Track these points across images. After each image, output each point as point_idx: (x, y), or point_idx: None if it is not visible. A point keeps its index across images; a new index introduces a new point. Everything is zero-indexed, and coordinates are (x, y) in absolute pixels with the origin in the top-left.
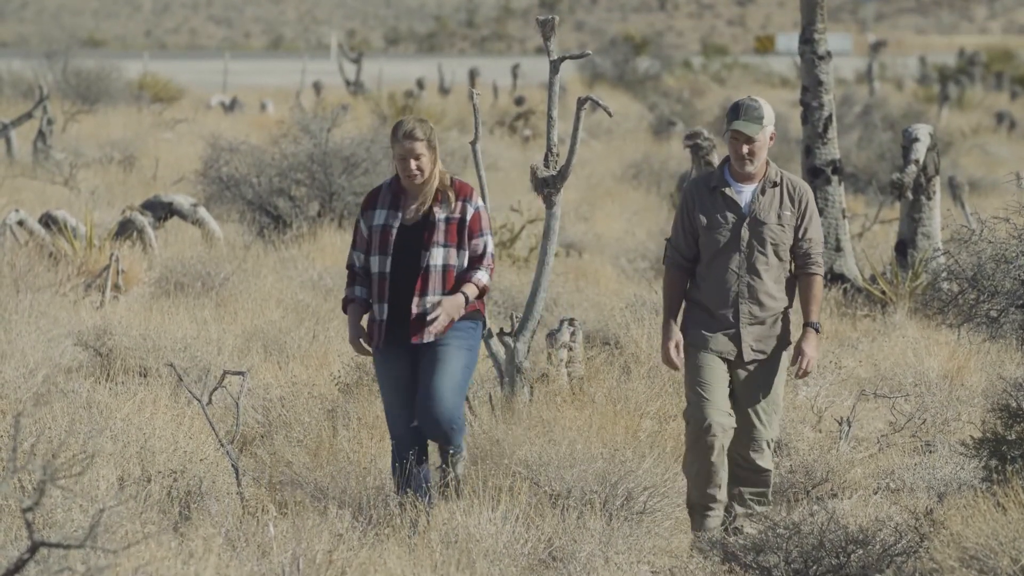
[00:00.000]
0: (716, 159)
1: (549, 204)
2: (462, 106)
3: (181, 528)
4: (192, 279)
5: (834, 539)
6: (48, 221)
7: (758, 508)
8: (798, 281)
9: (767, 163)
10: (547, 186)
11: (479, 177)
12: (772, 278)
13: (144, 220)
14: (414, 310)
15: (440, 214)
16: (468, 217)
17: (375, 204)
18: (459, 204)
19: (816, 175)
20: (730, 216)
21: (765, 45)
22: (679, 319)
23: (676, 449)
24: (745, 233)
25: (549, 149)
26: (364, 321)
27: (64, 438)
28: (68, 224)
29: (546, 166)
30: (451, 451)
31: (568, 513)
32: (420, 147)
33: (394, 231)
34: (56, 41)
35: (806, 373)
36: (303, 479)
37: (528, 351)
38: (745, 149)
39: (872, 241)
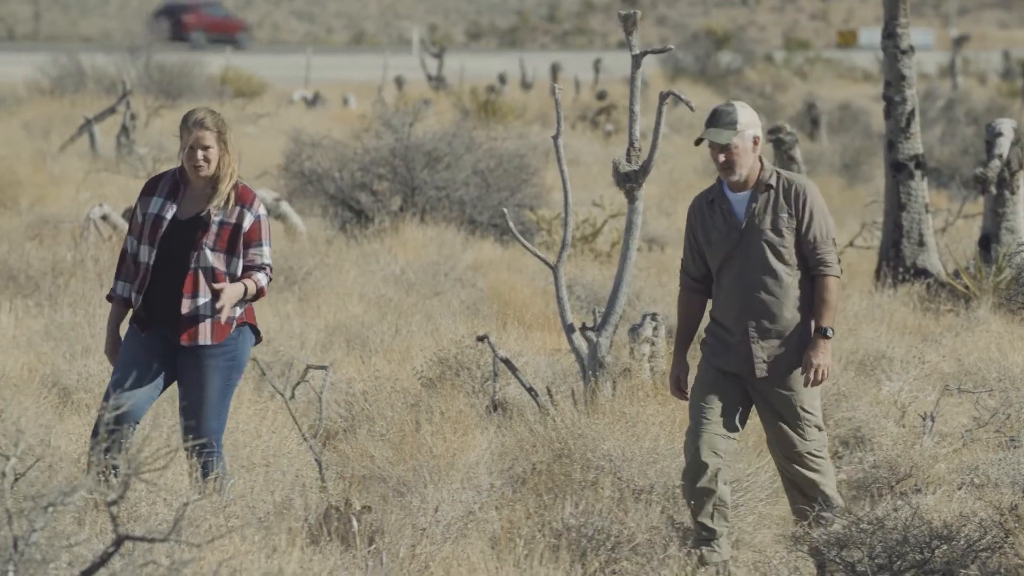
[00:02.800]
0: (799, 154)
1: (631, 199)
2: (544, 101)
3: (265, 522)
4: (275, 273)
5: (918, 534)
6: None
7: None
8: (812, 285)
9: (761, 167)
10: (629, 181)
11: (561, 172)
12: (782, 287)
13: None
14: (184, 311)
15: (216, 216)
16: (246, 225)
17: (154, 190)
18: (237, 210)
19: (899, 170)
20: (726, 228)
21: (847, 39)
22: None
23: (758, 444)
24: (743, 243)
25: (631, 144)
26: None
27: (148, 432)
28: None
29: (628, 161)
30: (208, 453)
31: (652, 508)
32: (209, 137)
33: (165, 223)
34: (139, 36)
35: (817, 383)
36: (386, 473)
37: (611, 346)
38: (721, 158)
39: (955, 236)
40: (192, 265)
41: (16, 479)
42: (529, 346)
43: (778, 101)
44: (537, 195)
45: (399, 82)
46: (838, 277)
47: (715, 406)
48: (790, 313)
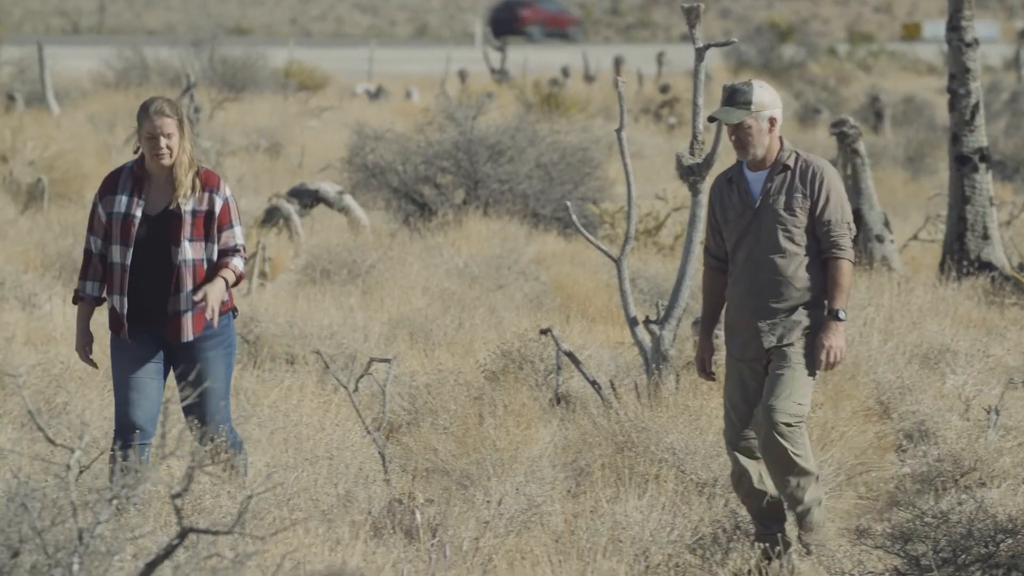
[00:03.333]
0: (862, 147)
1: (694, 192)
2: (607, 94)
3: (328, 515)
4: (338, 266)
5: (983, 528)
6: None
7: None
8: (825, 267)
9: (780, 147)
10: (692, 174)
11: (624, 165)
12: (791, 266)
13: (290, 208)
14: (171, 308)
15: (186, 206)
16: (216, 209)
17: (115, 188)
18: (206, 195)
19: (963, 163)
20: (742, 207)
21: (911, 32)
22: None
23: (822, 437)
24: (755, 222)
25: (695, 136)
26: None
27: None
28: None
29: (691, 154)
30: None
31: (715, 501)
32: (170, 124)
33: (137, 220)
34: (203, 29)
35: (831, 366)
36: (449, 466)
37: (674, 339)
38: (733, 137)
39: (1020, 229)
40: (174, 260)
41: (81, 471)
42: (592, 339)
43: (842, 94)
44: (600, 188)
45: (462, 75)
46: (851, 261)
47: (744, 408)
48: (797, 294)
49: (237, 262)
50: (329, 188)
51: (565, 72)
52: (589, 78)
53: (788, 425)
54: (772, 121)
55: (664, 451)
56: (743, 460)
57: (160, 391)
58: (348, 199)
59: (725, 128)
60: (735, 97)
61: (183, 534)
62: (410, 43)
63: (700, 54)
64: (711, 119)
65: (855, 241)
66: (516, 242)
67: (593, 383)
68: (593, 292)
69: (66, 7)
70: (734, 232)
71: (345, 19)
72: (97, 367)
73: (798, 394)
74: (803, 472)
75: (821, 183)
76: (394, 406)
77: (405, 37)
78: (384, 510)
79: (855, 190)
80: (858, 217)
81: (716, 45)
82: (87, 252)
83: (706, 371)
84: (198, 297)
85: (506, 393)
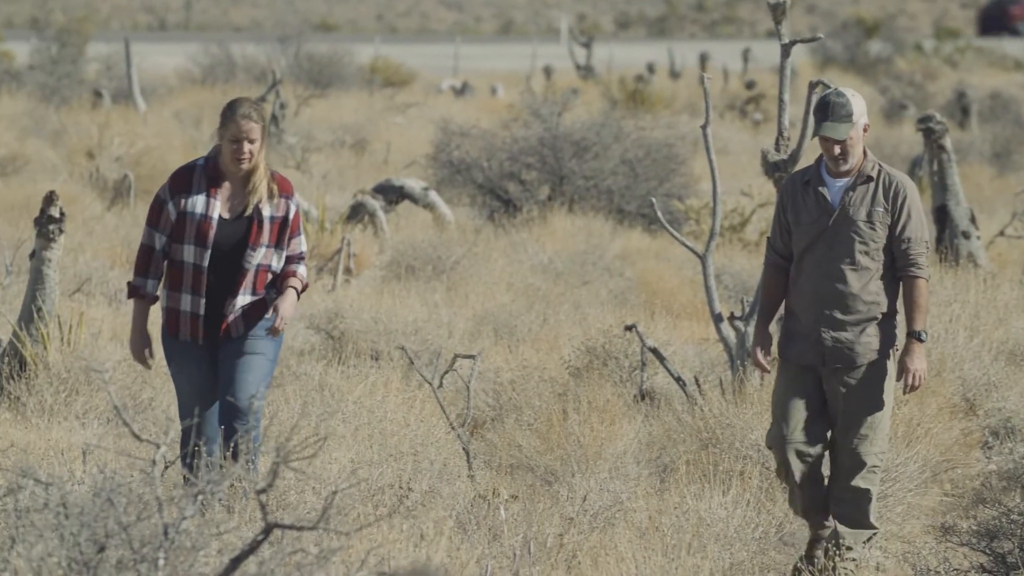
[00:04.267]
0: (949, 143)
1: (780, 188)
2: (692, 90)
3: (412, 511)
4: (423, 263)
5: None
6: None
7: (853, 546)
8: (902, 286)
9: (864, 155)
10: (778, 170)
11: (709, 161)
12: (861, 280)
13: (375, 204)
14: (228, 310)
15: (265, 212)
16: (290, 216)
17: (188, 187)
18: (282, 202)
19: None
20: (818, 212)
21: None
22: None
23: (907, 433)
24: (831, 231)
25: (780, 133)
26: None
27: (297, 420)
28: (300, 207)
29: (777, 150)
30: (243, 437)
31: None
32: (256, 130)
33: (214, 223)
34: (289, 26)
35: (913, 389)
36: (533, 462)
37: None
38: (837, 150)
39: None
40: (244, 264)
41: (166, 467)
42: (677, 335)
43: (928, 90)
44: (685, 184)
45: (547, 71)
46: (927, 280)
47: (792, 410)
48: (864, 307)
49: (303, 271)
50: (414, 184)
51: (650, 68)
52: (674, 74)
53: (875, 468)
54: (866, 128)
55: (749, 447)
56: (789, 456)
57: (216, 394)
58: (433, 195)
59: (823, 142)
60: (836, 111)
61: (268, 530)
62: (495, 39)
63: (786, 50)
64: (823, 138)
65: (940, 238)
66: (601, 238)
67: (678, 379)
68: (678, 288)
69: (153, 3)
70: (805, 236)
71: (430, 15)
72: (150, 368)
73: (883, 430)
74: (870, 523)
75: (904, 199)
76: (478, 402)
77: (490, 33)
78: (468, 506)
79: (941, 186)
80: (944, 213)
81: (802, 41)
82: (148, 248)
83: (761, 361)
84: (281, 306)
85: (590, 389)
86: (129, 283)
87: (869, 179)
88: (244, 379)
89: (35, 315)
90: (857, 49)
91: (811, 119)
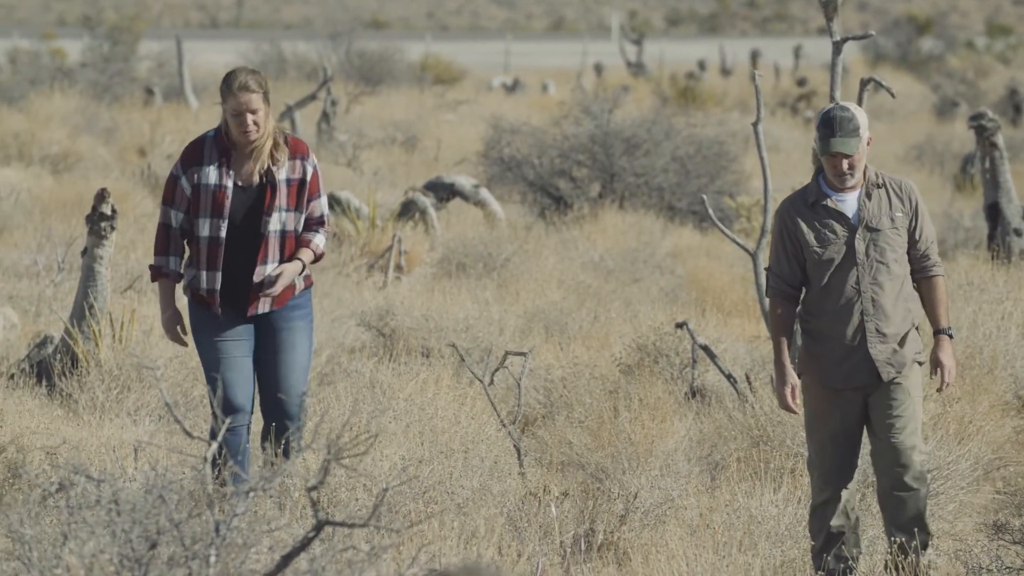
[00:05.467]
0: (1001, 140)
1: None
2: (744, 87)
3: (463, 508)
4: (474, 260)
5: None
6: (332, 202)
7: (919, 547)
8: (920, 287)
9: (865, 167)
10: None
11: (761, 158)
12: (895, 289)
13: (426, 201)
14: (255, 279)
15: (280, 175)
16: (308, 177)
17: (200, 159)
18: (298, 163)
19: None
20: (839, 229)
21: None
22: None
23: (959, 431)
24: (860, 244)
25: None
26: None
27: (348, 418)
28: (351, 205)
29: None
30: (294, 432)
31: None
32: (256, 100)
33: (229, 192)
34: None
35: (948, 385)
36: (584, 460)
37: None
38: (845, 165)
39: None
40: (263, 231)
41: (217, 463)
42: (728, 333)
43: (980, 87)
44: (736, 182)
45: (598, 68)
46: (944, 276)
47: (843, 438)
48: (900, 314)
49: (318, 240)
50: (465, 182)
51: (701, 65)
52: (726, 71)
53: (922, 468)
54: (869, 142)
55: (800, 445)
56: (841, 492)
57: (252, 369)
58: (484, 192)
59: (828, 159)
60: (844, 125)
61: (319, 527)
62: (546, 36)
63: (838, 47)
64: (833, 154)
65: (992, 236)
66: (652, 235)
67: (729, 377)
68: (729, 286)
69: (205, 1)
70: (831, 258)
71: (481, 13)
72: (187, 345)
73: (920, 425)
74: (926, 527)
75: (916, 201)
76: (529, 399)
77: (541, 30)
78: (519, 503)
79: (993, 184)
80: (996, 211)
81: (854, 38)
82: (165, 226)
83: (791, 406)
84: (274, 274)
85: (641, 387)
86: (150, 265)
87: (879, 185)
88: (288, 378)
89: (87, 312)
90: (909, 46)
91: (816, 136)
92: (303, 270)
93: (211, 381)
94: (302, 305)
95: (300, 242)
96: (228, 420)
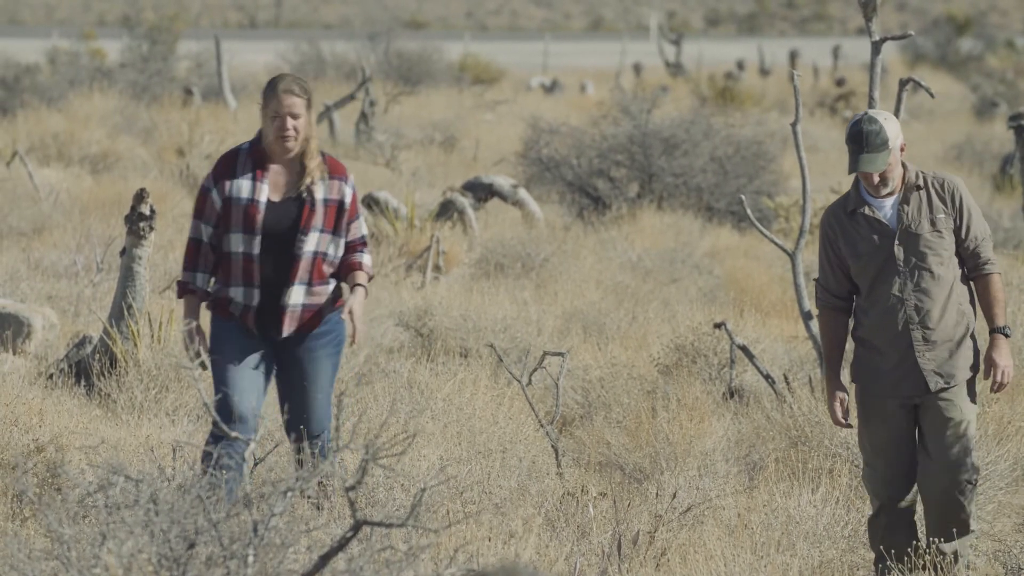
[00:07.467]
0: None
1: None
2: (782, 87)
3: (501, 508)
4: (512, 260)
5: None
6: (370, 202)
7: (957, 554)
8: (974, 286)
9: (904, 169)
10: None
11: (799, 158)
12: (942, 294)
13: (465, 201)
14: (283, 302)
15: (318, 194)
16: (347, 200)
17: (232, 171)
18: (336, 184)
19: None
20: (877, 237)
21: None
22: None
23: (998, 431)
24: (899, 251)
25: None
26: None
27: (386, 418)
28: (390, 205)
29: None
30: (319, 449)
31: None
32: (299, 104)
33: (261, 207)
34: (379, 23)
35: (1002, 386)
36: (622, 460)
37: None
38: (876, 179)
39: None
40: (296, 251)
41: (256, 464)
42: (766, 333)
43: (1020, 87)
44: (775, 182)
45: (637, 68)
46: (1000, 273)
47: (893, 451)
48: (951, 319)
49: (368, 261)
50: (503, 182)
51: (740, 65)
52: (764, 71)
53: (970, 483)
54: (903, 148)
55: (838, 445)
56: (897, 504)
57: (264, 385)
58: (522, 192)
59: (861, 174)
60: (871, 140)
61: (357, 527)
62: (585, 36)
63: (876, 47)
64: (861, 172)
65: None
66: (690, 236)
67: (767, 377)
68: (767, 286)
69: (243, 1)
70: (871, 266)
71: (520, 13)
72: (206, 367)
73: (973, 441)
74: (968, 528)
75: (961, 198)
76: (567, 399)
77: (580, 30)
78: (557, 503)
79: None
80: None
81: (893, 38)
82: (195, 241)
83: (841, 420)
84: (344, 315)
85: (679, 387)
86: (178, 281)
87: (919, 187)
88: (316, 399)
89: (125, 312)
90: (948, 46)
91: (847, 150)
92: (366, 295)
93: (219, 393)
94: (327, 332)
95: (350, 264)
96: (212, 435)
